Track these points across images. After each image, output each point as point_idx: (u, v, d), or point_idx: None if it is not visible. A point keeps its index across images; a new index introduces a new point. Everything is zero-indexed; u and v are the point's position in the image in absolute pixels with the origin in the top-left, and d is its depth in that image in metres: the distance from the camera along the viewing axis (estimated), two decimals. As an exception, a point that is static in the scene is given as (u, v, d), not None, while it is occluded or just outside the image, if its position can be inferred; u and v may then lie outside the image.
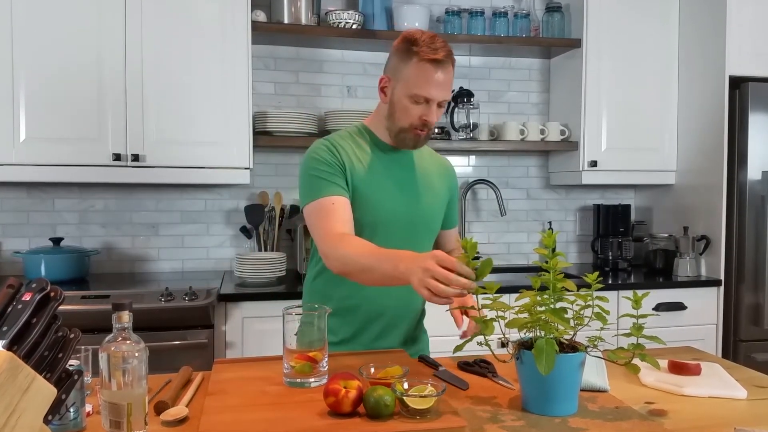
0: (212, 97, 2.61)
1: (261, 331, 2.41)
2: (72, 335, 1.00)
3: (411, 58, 1.45)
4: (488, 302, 1.18)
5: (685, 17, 3.02)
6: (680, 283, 2.83)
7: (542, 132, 3.06)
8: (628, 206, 3.24)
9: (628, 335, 1.19)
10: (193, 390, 1.26)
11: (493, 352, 1.21)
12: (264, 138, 2.75)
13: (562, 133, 3.07)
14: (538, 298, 1.15)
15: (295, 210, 2.96)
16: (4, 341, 0.89)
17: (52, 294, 0.96)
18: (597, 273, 1.20)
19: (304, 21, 2.78)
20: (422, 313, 1.72)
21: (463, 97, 3.02)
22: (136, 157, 2.53)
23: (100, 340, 1.03)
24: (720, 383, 1.33)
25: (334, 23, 2.81)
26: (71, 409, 1.05)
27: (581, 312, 1.17)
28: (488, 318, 1.17)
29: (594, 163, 2.99)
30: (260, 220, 2.85)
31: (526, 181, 3.33)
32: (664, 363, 1.42)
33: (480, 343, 1.18)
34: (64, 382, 0.98)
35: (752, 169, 2.77)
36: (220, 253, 2.99)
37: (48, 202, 2.83)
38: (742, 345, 2.80)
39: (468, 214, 3.24)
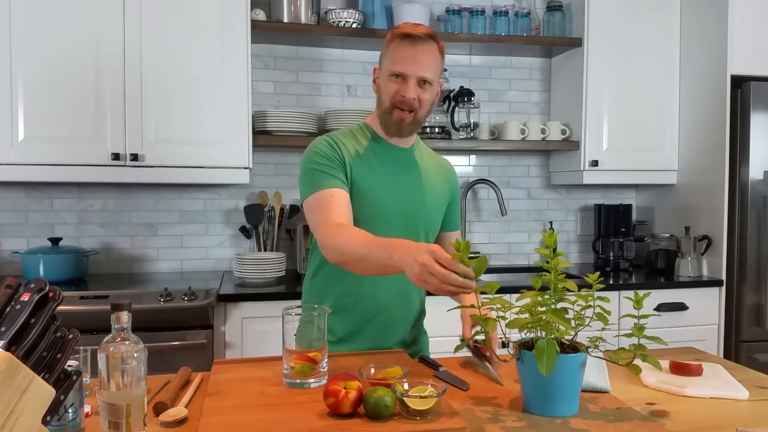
0: (211, 97, 2.60)
1: (260, 331, 2.41)
2: (71, 336, 0.99)
3: (392, 40, 1.52)
4: (486, 300, 1.18)
5: (687, 16, 3.01)
6: (682, 284, 2.83)
7: (543, 131, 3.05)
8: (629, 206, 3.24)
9: (629, 336, 1.18)
10: (193, 391, 1.26)
11: (494, 352, 1.21)
12: (263, 137, 2.74)
13: (563, 132, 3.07)
14: (539, 299, 1.15)
15: (295, 210, 2.95)
16: (2, 341, 0.88)
17: (51, 294, 0.96)
18: (598, 273, 1.20)
19: (303, 20, 2.78)
20: (422, 314, 1.71)
21: (463, 96, 3.02)
22: (135, 157, 2.52)
23: (99, 340, 1.03)
24: (722, 384, 1.32)
25: (334, 22, 2.80)
26: (70, 410, 1.05)
27: (582, 312, 1.17)
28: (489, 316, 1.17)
29: (595, 163, 2.99)
30: (260, 220, 2.85)
31: (527, 181, 3.33)
32: (665, 363, 1.42)
33: (482, 341, 1.17)
34: (63, 382, 0.98)
35: (754, 169, 2.76)
36: (220, 253, 2.99)
37: (46, 202, 2.82)
38: (743, 345, 2.79)
39: (468, 214, 3.24)
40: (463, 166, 3.23)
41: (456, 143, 2.99)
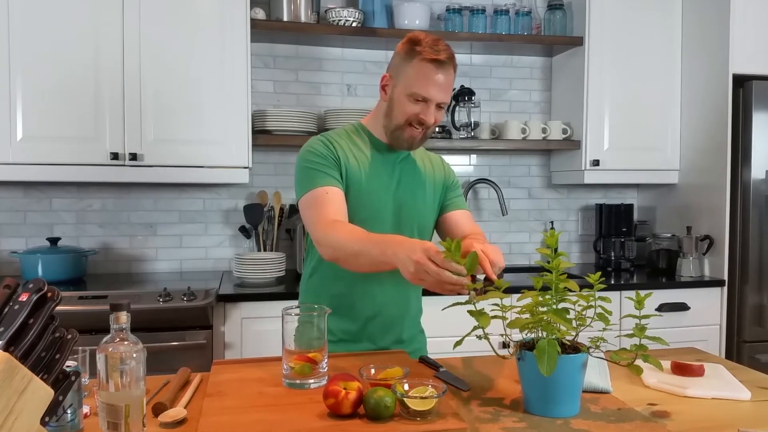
0: (211, 96, 2.60)
1: (260, 331, 2.40)
2: (69, 336, 0.99)
3: (413, 57, 1.48)
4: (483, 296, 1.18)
5: (689, 15, 3.01)
6: (683, 284, 2.82)
7: (544, 131, 3.05)
8: (630, 206, 3.23)
9: (630, 336, 1.17)
10: (192, 391, 1.26)
11: (495, 350, 1.21)
12: (263, 137, 2.74)
13: (564, 131, 3.06)
14: (540, 299, 1.15)
15: (295, 210, 2.94)
16: (0, 342, 0.88)
17: (49, 294, 0.96)
18: (599, 273, 1.19)
19: (303, 19, 2.77)
20: (419, 312, 1.72)
21: (464, 95, 3.01)
22: (134, 156, 2.52)
23: (98, 340, 1.02)
24: (723, 384, 1.32)
25: (333, 21, 2.80)
26: (68, 411, 1.04)
27: (583, 312, 1.16)
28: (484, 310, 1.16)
29: (596, 162, 2.98)
30: (259, 220, 2.84)
31: (528, 181, 3.32)
32: (666, 364, 1.42)
33: (479, 337, 1.17)
34: (62, 383, 0.98)
35: (756, 168, 2.76)
36: (219, 253, 2.98)
37: (45, 202, 2.82)
38: (745, 346, 2.78)
39: (469, 213, 3.23)
40: (463, 165, 3.22)
41: (456, 143, 2.99)
